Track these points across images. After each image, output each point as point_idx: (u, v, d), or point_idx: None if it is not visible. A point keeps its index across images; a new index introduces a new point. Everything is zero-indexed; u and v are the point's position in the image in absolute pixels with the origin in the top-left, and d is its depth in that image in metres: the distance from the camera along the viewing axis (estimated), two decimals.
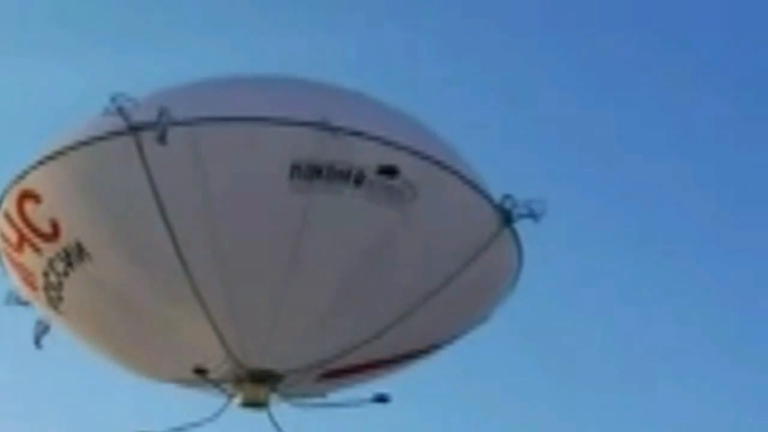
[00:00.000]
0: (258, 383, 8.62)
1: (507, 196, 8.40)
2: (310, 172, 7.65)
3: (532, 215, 8.41)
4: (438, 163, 8.07)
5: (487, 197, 8.42)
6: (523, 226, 8.68)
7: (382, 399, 8.90)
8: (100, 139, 7.84)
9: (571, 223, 17.72)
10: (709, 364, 20.59)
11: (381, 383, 9.45)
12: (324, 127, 7.66)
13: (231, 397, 8.70)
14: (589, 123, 20.81)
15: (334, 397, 9.36)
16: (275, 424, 8.77)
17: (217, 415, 8.64)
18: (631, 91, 21.44)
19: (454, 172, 8.16)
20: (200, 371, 8.52)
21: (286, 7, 20.11)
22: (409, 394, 10.28)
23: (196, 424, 8.65)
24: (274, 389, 8.72)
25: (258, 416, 8.90)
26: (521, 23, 21.10)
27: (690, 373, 20.46)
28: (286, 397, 8.98)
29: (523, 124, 20.65)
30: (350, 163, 7.71)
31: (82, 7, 20.16)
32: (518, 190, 8.51)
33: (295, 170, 7.64)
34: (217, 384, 8.68)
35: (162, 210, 7.68)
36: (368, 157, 7.77)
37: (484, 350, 13.62)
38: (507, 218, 8.42)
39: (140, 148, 7.63)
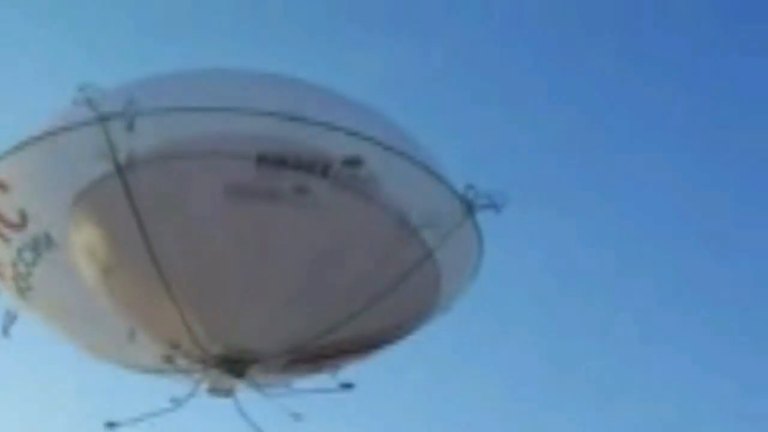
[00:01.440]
0: (226, 371, 8.80)
1: (469, 187, 8.60)
2: (276, 162, 7.86)
3: (494, 206, 8.63)
4: (401, 153, 8.26)
5: (450, 187, 8.60)
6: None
7: (347, 386, 9.27)
8: (68, 129, 8.03)
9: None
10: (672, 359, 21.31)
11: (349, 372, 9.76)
12: (290, 117, 7.89)
13: (199, 382, 8.88)
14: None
15: (300, 385, 9.68)
16: (241, 412, 9.01)
17: (185, 399, 8.84)
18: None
19: (418, 163, 8.36)
20: (172, 350, 8.80)
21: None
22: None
23: (167, 410, 8.85)
24: (242, 375, 8.89)
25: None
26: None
27: (657, 371, 21.25)
28: (255, 385, 9.19)
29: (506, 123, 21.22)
30: (315, 154, 7.92)
31: None
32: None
33: (262, 159, 7.85)
34: (183, 370, 8.95)
35: (130, 198, 7.90)
36: (333, 147, 7.97)
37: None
38: (469, 208, 8.61)
39: (108, 137, 7.81)
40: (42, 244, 8.40)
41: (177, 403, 8.85)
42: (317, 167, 7.95)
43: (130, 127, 7.74)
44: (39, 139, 8.16)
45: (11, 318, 9.16)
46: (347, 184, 8.07)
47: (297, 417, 9.39)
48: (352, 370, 9.86)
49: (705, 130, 22.19)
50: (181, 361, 8.92)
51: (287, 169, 7.87)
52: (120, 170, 7.87)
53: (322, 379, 9.80)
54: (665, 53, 22.10)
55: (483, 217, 8.82)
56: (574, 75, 22.57)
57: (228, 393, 8.92)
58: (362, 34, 20.91)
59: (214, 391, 8.89)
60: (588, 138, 22.19)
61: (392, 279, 8.58)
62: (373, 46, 20.73)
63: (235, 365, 8.82)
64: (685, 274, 21.78)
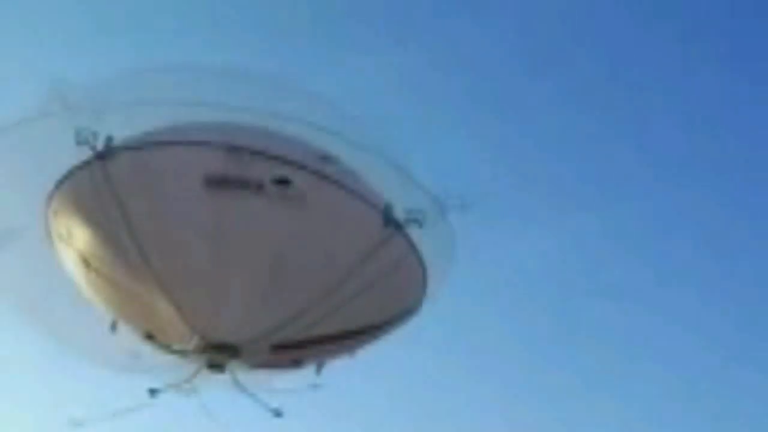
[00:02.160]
0: (208, 363, 10.74)
1: (388, 206, 10.58)
2: (221, 183, 10.01)
3: (416, 221, 10.59)
4: (326, 177, 10.28)
5: (373, 205, 10.51)
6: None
7: (315, 386, 11.27)
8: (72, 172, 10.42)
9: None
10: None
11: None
12: (230, 147, 10.09)
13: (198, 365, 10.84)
14: None
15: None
16: (237, 383, 10.95)
17: (191, 377, 10.83)
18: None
19: (342, 185, 10.35)
20: (150, 337, 10.91)
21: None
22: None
23: (175, 386, 10.80)
24: (234, 357, 10.76)
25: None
26: None
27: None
28: (246, 367, 11.18)
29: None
30: (251, 175, 10.01)
31: None
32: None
33: (208, 180, 10.01)
34: (166, 348, 10.89)
35: (109, 184, 10.01)
36: (266, 170, 10.06)
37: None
38: (395, 224, 10.52)
39: (105, 171, 10.13)
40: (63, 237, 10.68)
41: (186, 379, 10.82)
42: (253, 186, 10.02)
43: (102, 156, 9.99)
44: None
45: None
46: (279, 199, 10.04)
47: (277, 413, 11.07)
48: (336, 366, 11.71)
49: None
50: (183, 347, 10.79)
51: (229, 188, 9.98)
52: (100, 157, 10.07)
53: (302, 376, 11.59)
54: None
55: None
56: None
57: (221, 368, 10.79)
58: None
59: (211, 366, 10.73)
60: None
61: (336, 279, 10.38)
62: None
63: (217, 356, 10.67)
64: None
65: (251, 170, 10.10)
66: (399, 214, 10.73)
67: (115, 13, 22.02)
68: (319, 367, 11.83)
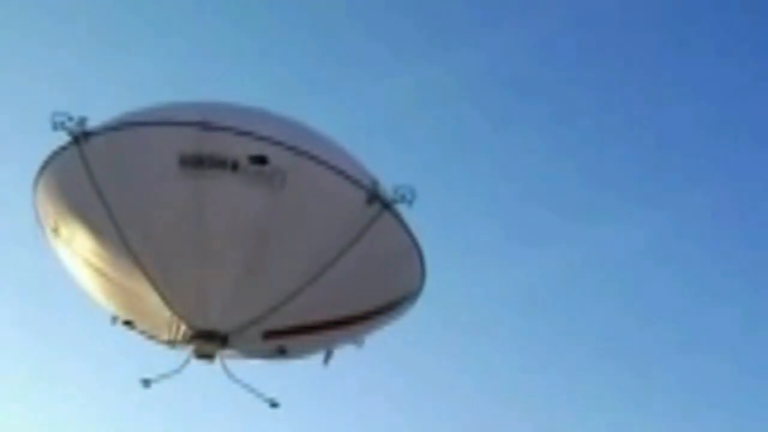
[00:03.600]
0: (207, 341, 10.35)
1: (374, 183, 10.02)
2: (195, 162, 9.63)
3: (404, 200, 10.02)
4: (305, 153, 9.77)
5: (356, 182, 9.97)
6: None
7: (274, 404, 10.60)
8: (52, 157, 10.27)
9: None
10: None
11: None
12: (204, 126, 9.69)
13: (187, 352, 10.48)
14: None
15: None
16: (227, 371, 10.51)
17: (182, 367, 10.44)
18: None
19: (322, 161, 9.82)
20: (127, 323, 10.72)
21: None
22: None
23: (169, 374, 10.40)
24: (224, 345, 10.38)
25: None
26: None
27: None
28: (240, 356, 10.80)
29: None
30: (226, 154, 9.62)
31: None
32: None
33: (183, 160, 9.64)
34: (154, 338, 10.67)
35: (87, 167, 9.81)
36: (241, 148, 9.64)
37: None
38: (383, 203, 9.98)
39: (83, 156, 9.93)
40: (56, 232, 10.54)
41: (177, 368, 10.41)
42: (228, 164, 9.59)
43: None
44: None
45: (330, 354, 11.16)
46: (255, 178, 9.56)
47: (273, 404, 10.63)
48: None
49: None
50: (172, 336, 10.47)
51: (203, 167, 9.57)
52: (75, 140, 9.86)
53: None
54: None
55: None
56: None
57: (210, 357, 10.41)
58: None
59: (199, 355, 10.36)
60: None
61: (322, 262, 9.92)
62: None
63: (205, 345, 10.30)
64: None
65: (226, 148, 9.68)
66: (386, 191, 10.17)
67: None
68: (327, 357, 11.37)
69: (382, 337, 11.61)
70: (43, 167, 10.41)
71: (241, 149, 9.66)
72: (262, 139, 9.69)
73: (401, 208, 10.34)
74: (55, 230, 10.61)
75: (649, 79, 23.35)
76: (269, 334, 10.58)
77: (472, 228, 22.37)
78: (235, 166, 9.61)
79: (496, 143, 23.35)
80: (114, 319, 10.81)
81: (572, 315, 23.06)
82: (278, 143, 9.72)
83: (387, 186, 10.18)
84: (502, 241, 22.62)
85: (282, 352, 10.60)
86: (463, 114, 22.90)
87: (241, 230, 9.86)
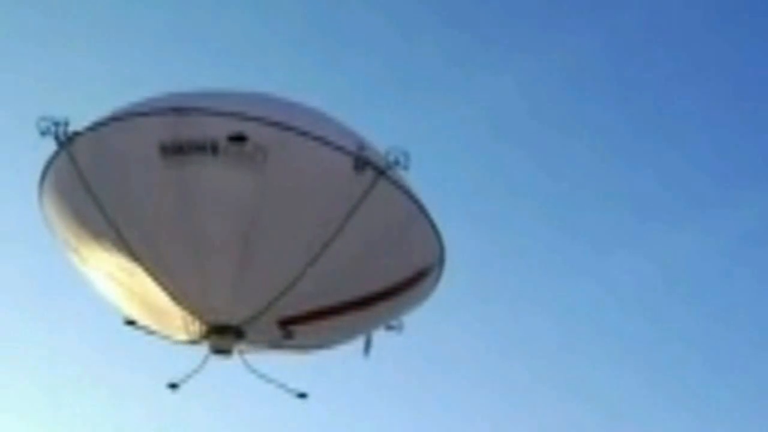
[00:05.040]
0: (221, 335, 10.10)
1: (361, 147, 9.55)
2: (175, 150, 9.38)
3: (397, 164, 9.58)
4: (284, 125, 9.37)
5: (340, 149, 9.49)
6: None
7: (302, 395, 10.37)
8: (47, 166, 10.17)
9: None
10: None
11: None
12: (178, 111, 9.45)
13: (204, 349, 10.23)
14: None
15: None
16: (247, 365, 10.29)
17: (200, 366, 10.23)
18: None
19: (303, 132, 9.40)
20: (130, 323, 10.44)
21: None
22: None
23: (190, 377, 10.20)
24: (240, 338, 10.12)
25: None
26: None
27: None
28: (258, 348, 10.55)
29: None
30: (204, 136, 9.32)
31: None
32: None
33: (163, 149, 9.41)
34: (146, 331, 10.50)
35: (78, 171, 9.69)
36: (217, 129, 9.32)
37: None
38: (377, 169, 9.50)
39: (73, 160, 9.79)
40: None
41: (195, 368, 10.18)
42: (208, 147, 9.28)
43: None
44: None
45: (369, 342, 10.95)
46: (236, 158, 9.24)
47: (302, 395, 10.40)
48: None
49: None
50: (187, 334, 10.24)
51: (183, 153, 9.30)
52: (62, 143, 9.71)
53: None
54: None
55: None
56: None
57: (226, 352, 10.15)
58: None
59: (216, 351, 10.11)
60: None
61: (322, 240, 9.50)
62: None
63: (221, 340, 10.04)
64: None
65: (203, 130, 9.37)
66: (379, 158, 9.70)
67: None
68: (367, 347, 11.00)
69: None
70: (42, 181, 10.31)
71: (218, 129, 9.34)
72: (237, 115, 9.37)
73: (408, 176, 9.93)
74: (76, 251, 10.48)
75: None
76: (285, 323, 10.21)
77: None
78: (215, 149, 9.31)
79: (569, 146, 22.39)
80: (128, 321, 10.60)
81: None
82: (255, 118, 9.37)
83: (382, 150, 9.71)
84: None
85: (289, 334, 10.24)
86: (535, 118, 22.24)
87: (231, 216, 9.53)
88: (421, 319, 11.41)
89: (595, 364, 21.39)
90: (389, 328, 11.13)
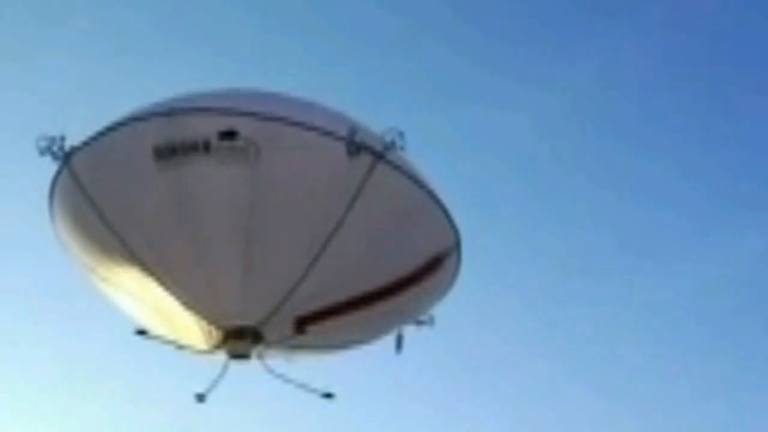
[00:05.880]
0: (238, 339, 9.88)
1: (353, 131, 9.30)
2: (168, 152, 9.29)
3: (393, 146, 9.34)
4: (274, 117, 9.25)
5: (331, 134, 9.30)
6: None
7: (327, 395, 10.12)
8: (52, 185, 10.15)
9: None
10: None
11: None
12: (168, 112, 9.40)
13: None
14: None
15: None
16: (267, 368, 10.12)
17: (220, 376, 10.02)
18: None
19: (294, 122, 9.25)
20: (141, 332, 10.22)
21: None
22: None
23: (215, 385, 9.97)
24: (258, 341, 9.91)
25: None
26: None
27: None
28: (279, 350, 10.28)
29: None
30: (195, 135, 9.22)
31: None
32: None
33: (157, 153, 9.32)
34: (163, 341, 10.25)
35: (80, 186, 9.65)
36: (208, 126, 9.22)
37: None
38: (374, 153, 9.26)
39: (72, 173, 9.77)
40: None
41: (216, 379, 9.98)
42: (200, 146, 9.17)
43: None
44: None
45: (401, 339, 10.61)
46: (229, 155, 9.13)
47: (328, 395, 10.13)
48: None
49: None
50: (206, 343, 10.04)
51: (177, 155, 9.21)
52: (62, 160, 9.67)
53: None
54: None
55: None
56: None
57: (244, 357, 9.94)
58: None
59: (233, 356, 9.91)
60: None
61: (326, 230, 9.26)
62: None
63: (238, 344, 9.84)
64: None
65: (193, 129, 9.28)
66: (375, 141, 9.44)
67: None
68: (399, 343, 10.67)
69: None
70: (51, 202, 10.27)
71: (208, 127, 9.23)
72: (227, 111, 9.28)
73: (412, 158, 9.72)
74: (94, 271, 10.39)
75: None
76: (302, 322, 9.95)
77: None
78: (207, 147, 9.19)
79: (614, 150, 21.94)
80: (139, 331, 10.35)
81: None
82: (245, 113, 9.26)
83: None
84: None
85: (302, 330, 9.94)
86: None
87: (230, 214, 9.39)
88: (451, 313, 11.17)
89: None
90: (419, 323, 10.83)
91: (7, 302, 18.64)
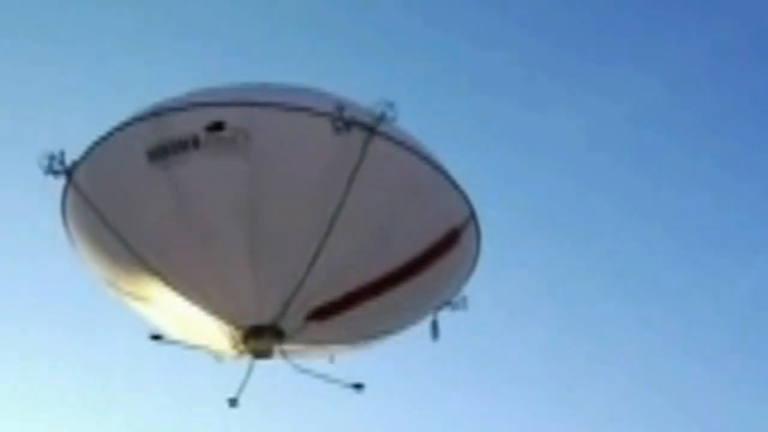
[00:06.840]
0: (257, 337, 9.72)
1: (340, 107, 9.05)
2: (160, 153, 9.20)
3: (384, 118, 9.11)
4: (260, 103, 9.10)
5: (319, 113, 9.08)
6: None
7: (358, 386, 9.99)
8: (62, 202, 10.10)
9: None
10: None
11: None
12: (156, 113, 9.32)
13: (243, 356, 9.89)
14: None
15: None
16: (292, 363, 9.93)
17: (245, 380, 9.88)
18: None
19: (280, 106, 9.08)
20: (156, 337, 10.14)
21: None
22: None
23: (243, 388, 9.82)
24: (278, 338, 9.73)
25: None
26: None
27: None
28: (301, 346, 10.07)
29: None
30: (184, 132, 9.11)
31: None
32: None
33: (151, 155, 9.23)
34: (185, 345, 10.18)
35: (84, 198, 9.61)
36: (194, 122, 9.11)
37: None
38: (365, 127, 9.04)
39: (77, 188, 9.75)
40: None
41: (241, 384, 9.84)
42: (189, 143, 9.05)
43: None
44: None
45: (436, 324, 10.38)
46: (219, 146, 8.99)
47: (358, 386, 9.96)
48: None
49: None
50: (231, 346, 9.91)
51: (169, 154, 9.12)
52: (69, 174, 9.64)
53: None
54: None
55: None
56: None
57: (266, 354, 9.78)
58: None
59: (256, 354, 9.76)
60: None
61: (328, 213, 9.03)
62: None
63: (260, 342, 9.69)
64: None
65: (181, 126, 9.17)
66: (365, 115, 9.18)
67: None
68: (434, 330, 10.35)
69: None
70: (64, 220, 10.25)
71: (196, 123, 9.11)
72: (211, 105, 9.17)
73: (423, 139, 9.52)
74: (113, 285, 10.31)
75: None
76: (320, 313, 9.70)
77: None
78: (196, 142, 9.08)
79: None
80: (153, 336, 10.24)
81: None
82: (230, 104, 9.13)
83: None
84: None
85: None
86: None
87: (229, 207, 9.23)
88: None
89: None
90: (452, 307, 10.48)
91: (26, 308, 18.68)
